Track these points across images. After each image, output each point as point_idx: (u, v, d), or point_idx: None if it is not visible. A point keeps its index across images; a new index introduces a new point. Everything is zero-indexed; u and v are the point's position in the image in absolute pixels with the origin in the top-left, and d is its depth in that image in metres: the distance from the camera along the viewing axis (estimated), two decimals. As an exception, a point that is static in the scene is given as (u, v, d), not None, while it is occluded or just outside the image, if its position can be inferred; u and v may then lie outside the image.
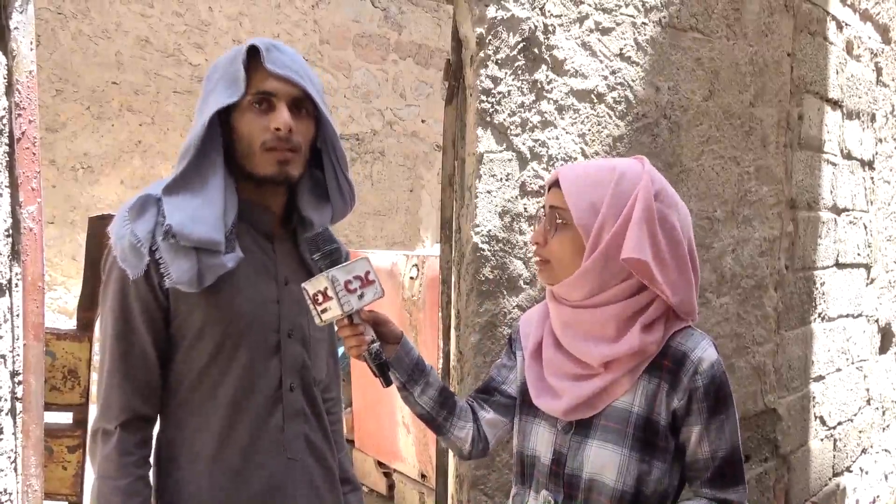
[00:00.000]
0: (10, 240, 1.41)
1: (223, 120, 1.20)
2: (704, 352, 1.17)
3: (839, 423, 3.88)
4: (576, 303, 1.21)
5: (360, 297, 1.17)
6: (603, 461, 1.17)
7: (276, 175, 1.20)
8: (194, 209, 1.15)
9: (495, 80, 2.12)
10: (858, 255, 3.97)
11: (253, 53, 1.19)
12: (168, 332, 1.20)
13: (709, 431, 1.17)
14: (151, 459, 1.22)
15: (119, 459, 1.15)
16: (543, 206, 1.27)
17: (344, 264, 1.18)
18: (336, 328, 1.24)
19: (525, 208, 2.19)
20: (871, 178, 4.10)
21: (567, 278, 1.20)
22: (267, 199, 1.27)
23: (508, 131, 2.15)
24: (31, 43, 1.42)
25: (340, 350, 4.34)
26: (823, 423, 3.72)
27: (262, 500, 1.23)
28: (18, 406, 1.43)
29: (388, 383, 1.24)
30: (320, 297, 1.16)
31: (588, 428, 1.20)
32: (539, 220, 1.27)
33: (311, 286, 1.16)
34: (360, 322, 1.20)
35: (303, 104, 1.22)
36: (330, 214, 1.32)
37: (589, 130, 2.36)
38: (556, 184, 1.22)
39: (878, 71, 4.08)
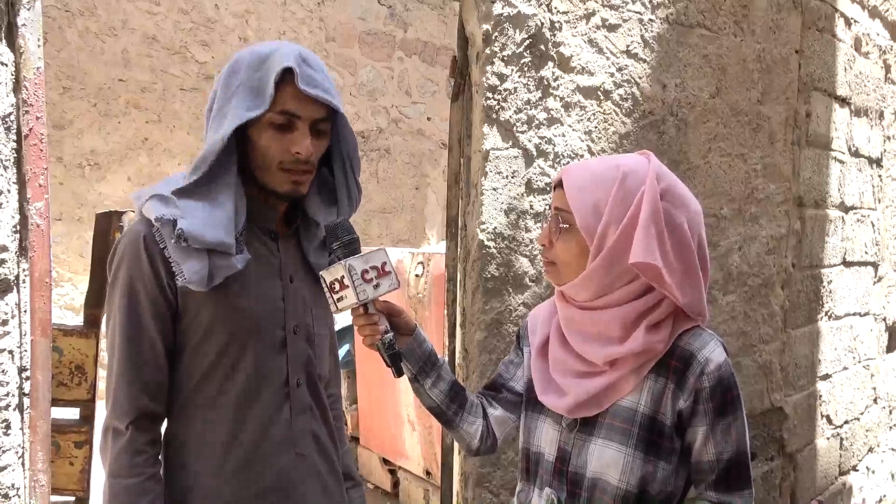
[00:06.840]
0: (17, 236, 1.41)
1: (239, 126, 1.18)
2: (712, 352, 1.16)
3: (846, 422, 3.87)
4: (582, 303, 1.20)
5: (376, 287, 1.18)
6: (607, 460, 1.16)
7: (288, 192, 1.22)
8: (206, 212, 1.15)
9: (501, 77, 2.11)
10: (866, 253, 3.95)
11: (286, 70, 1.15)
12: (176, 330, 1.21)
13: (714, 433, 1.15)
14: (161, 457, 1.22)
15: (131, 458, 1.16)
16: (550, 206, 1.26)
17: (361, 254, 1.19)
18: (351, 317, 1.25)
19: (531, 205, 2.19)
20: (879, 175, 4.08)
21: (573, 280, 1.19)
22: (272, 199, 1.27)
23: (514, 128, 2.15)
24: (39, 40, 1.42)
25: (343, 349, 4.35)
26: (830, 421, 3.70)
27: (271, 494, 1.23)
28: (26, 401, 1.44)
29: (399, 374, 1.25)
30: (337, 286, 1.17)
31: (593, 426, 1.19)
32: (547, 220, 1.26)
33: (329, 274, 1.18)
34: (375, 312, 1.21)
35: (324, 121, 1.21)
36: (335, 216, 1.32)
37: (595, 128, 2.35)
38: (560, 184, 1.21)
39: (887, 68, 4.06)
